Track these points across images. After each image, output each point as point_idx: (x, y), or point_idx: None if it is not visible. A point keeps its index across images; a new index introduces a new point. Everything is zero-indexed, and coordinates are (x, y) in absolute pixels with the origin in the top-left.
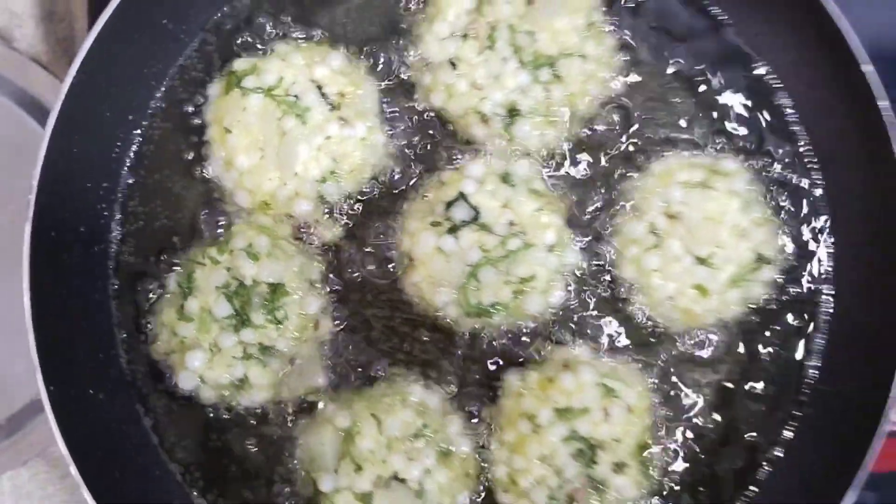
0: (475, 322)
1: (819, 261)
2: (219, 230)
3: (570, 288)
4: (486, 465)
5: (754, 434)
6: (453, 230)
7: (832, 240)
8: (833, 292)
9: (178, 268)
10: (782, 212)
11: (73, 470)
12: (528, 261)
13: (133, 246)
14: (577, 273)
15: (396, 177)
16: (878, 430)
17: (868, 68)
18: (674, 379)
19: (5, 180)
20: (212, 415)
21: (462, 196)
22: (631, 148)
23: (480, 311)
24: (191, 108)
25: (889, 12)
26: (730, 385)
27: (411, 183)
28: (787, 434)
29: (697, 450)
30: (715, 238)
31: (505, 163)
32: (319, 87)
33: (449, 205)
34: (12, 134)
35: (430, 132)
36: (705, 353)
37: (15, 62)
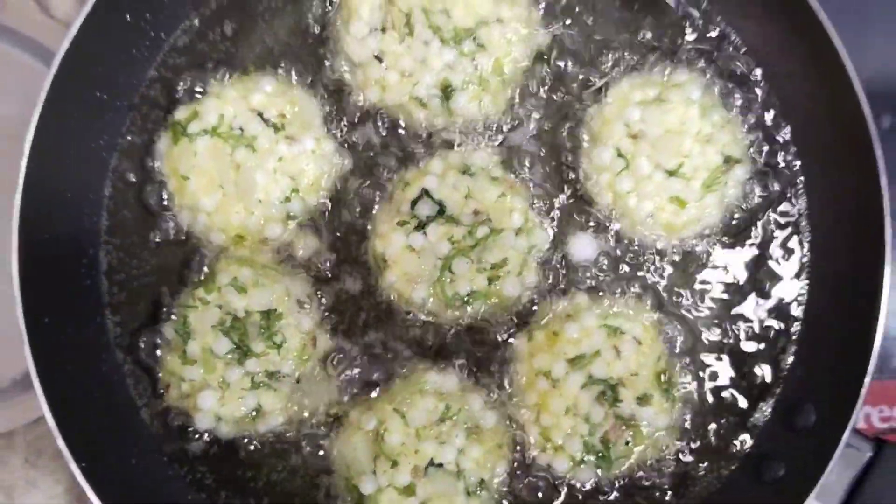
0: (458, 312)
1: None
2: (203, 272)
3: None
4: (516, 431)
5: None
6: (421, 227)
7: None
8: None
9: (174, 316)
10: (740, 109)
11: None
12: (497, 246)
13: (125, 312)
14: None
15: (358, 181)
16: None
17: None
18: (675, 296)
19: None
20: (243, 453)
21: (425, 192)
22: (575, 90)
23: (459, 301)
24: (150, 165)
25: None
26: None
27: (376, 183)
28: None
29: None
30: (679, 149)
31: (462, 155)
32: (260, 114)
33: (414, 203)
34: None
35: (378, 125)
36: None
37: (52, 29)
